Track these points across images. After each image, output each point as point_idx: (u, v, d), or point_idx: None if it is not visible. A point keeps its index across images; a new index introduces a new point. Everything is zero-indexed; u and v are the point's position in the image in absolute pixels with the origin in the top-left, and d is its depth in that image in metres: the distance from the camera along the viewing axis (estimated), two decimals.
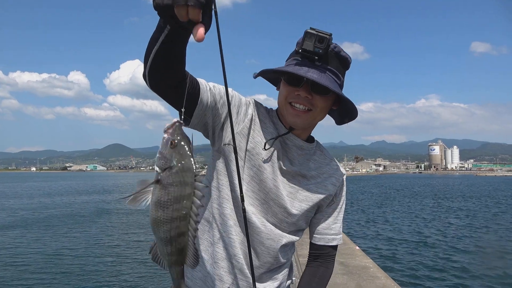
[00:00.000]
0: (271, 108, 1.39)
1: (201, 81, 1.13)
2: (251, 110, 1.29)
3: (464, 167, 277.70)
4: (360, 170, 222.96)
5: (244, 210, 1.20)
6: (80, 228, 16.66)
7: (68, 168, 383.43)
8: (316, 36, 1.08)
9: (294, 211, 1.32)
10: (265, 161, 1.28)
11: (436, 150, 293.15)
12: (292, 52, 1.28)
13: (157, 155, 0.86)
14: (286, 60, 1.30)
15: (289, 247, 1.41)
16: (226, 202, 1.28)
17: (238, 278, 1.29)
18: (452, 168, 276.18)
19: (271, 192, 1.29)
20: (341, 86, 1.27)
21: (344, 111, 1.37)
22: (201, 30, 0.81)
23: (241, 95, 1.28)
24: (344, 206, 1.47)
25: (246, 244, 1.23)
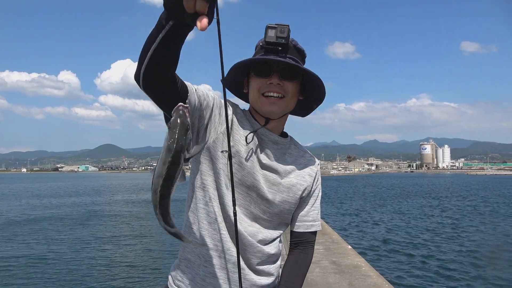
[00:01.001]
0: (244, 109, 1.45)
1: (187, 83, 1.17)
2: (229, 110, 1.34)
3: (455, 166, 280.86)
4: (353, 169, 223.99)
5: (235, 214, 1.24)
6: (68, 231, 16.25)
7: (60, 169, 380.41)
8: (277, 27, 1.15)
9: (277, 202, 1.37)
10: (246, 159, 1.32)
11: (428, 149, 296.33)
12: (254, 54, 1.38)
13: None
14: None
15: (275, 240, 1.44)
16: (212, 200, 1.31)
17: (231, 271, 1.32)
18: (443, 167, 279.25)
19: (253, 186, 1.33)
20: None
21: (310, 98, 1.45)
22: (205, 20, 0.86)
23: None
24: (320, 194, 1.54)
25: (235, 239, 1.27)
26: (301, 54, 1.36)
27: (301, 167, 1.45)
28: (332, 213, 23.59)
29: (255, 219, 1.37)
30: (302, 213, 1.47)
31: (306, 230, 1.48)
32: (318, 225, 1.50)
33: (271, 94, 1.31)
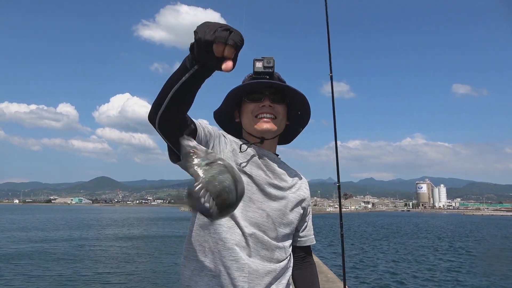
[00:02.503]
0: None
1: (195, 120, 1.27)
2: (225, 138, 1.42)
3: (451, 205, 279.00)
4: (349, 207, 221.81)
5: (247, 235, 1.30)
6: (49, 268, 15.29)
7: (53, 201, 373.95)
8: (264, 59, 1.25)
9: (290, 219, 1.44)
10: (253, 180, 1.38)
11: (424, 188, 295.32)
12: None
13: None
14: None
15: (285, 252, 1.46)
16: (219, 227, 1.32)
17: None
18: (439, 206, 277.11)
19: (264, 207, 1.38)
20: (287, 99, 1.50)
21: (296, 121, 1.57)
22: (230, 64, 0.94)
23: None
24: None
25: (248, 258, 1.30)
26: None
27: (299, 183, 1.54)
28: (328, 251, 22.83)
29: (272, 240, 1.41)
30: (307, 227, 1.56)
31: (311, 243, 1.56)
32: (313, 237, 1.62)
33: (264, 115, 1.42)
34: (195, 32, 0.94)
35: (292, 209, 1.45)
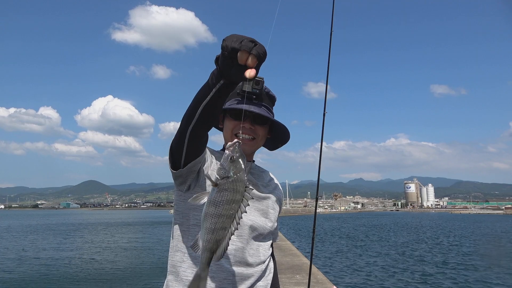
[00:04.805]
0: (219, 150, 1.64)
1: None
2: (209, 152, 1.52)
3: (439, 204, 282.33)
4: (339, 208, 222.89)
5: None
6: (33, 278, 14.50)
7: (40, 206, 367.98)
8: (254, 80, 1.27)
9: (270, 222, 1.58)
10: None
11: (412, 188, 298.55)
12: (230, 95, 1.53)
13: (219, 166, 1.08)
14: (226, 101, 1.56)
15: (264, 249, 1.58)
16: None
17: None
18: (428, 206, 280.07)
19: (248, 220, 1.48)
20: (273, 117, 1.58)
21: (277, 138, 1.69)
22: (253, 71, 1.03)
23: None
24: None
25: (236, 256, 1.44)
26: (272, 100, 1.61)
27: (273, 185, 1.69)
28: (317, 252, 23.11)
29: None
30: (276, 225, 1.66)
31: (276, 241, 1.71)
32: None
33: (243, 136, 1.49)
34: (223, 40, 1.03)
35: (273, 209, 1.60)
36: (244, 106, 1.43)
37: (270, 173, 1.74)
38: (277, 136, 1.67)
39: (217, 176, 1.06)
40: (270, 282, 1.58)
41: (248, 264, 1.46)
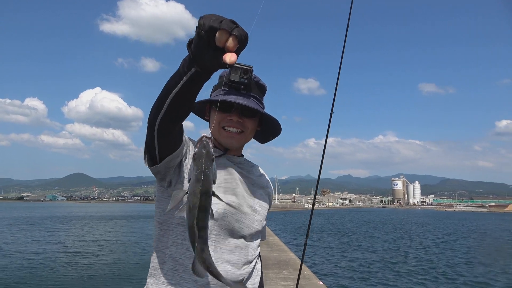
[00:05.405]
0: None
1: None
2: (192, 146, 1.39)
3: (425, 202, 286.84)
4: (327, 203, 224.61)
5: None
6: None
7: (25, 198, 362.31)
8: (242, 69, 1.18)
9: (259, 221, 1.45)
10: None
11: (399, 185, 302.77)
12: (215, 84, 1.46)
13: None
14: (212, 92, 1.47)
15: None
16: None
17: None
18: (414, 203, 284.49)
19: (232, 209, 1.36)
20: (263, 108, 1.46)
21: (267, 130, 1.56)
22: (234, 55, 0.87)
23: None
24: None
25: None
26: (262, 90, 1.47)
27: (263, 180, 1.57)
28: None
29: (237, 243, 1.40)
30: (264, 222, 1.53)
31: (265, 239, 1.52)
32: None
33: (231, 129, 1.39)
34: (200, 18, 0.89)
35: (261, 207, 1.49)
36: (232, 98, 1.34)
37: (260, 168, 1.62)
38: (267, 129, 1.55)
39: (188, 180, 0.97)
40: (257, 286, 1.48)
41: (234, 265, 1.34)
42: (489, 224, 58.27)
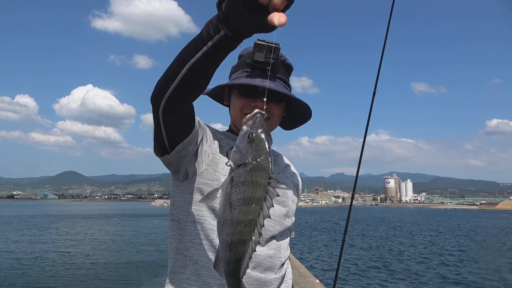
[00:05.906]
0: (223, 131, 1.36)
1: None
2: (210, 132, 1.25)
3: (417, 199, 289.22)
4: (320, 201, 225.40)
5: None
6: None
7: (15, 196, 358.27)
8: (267, 47, 1.06)
9: (289, 217, 1.32)
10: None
11: (391, 183, 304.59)
12: (234, 65, 1.28)
13: (233, 148, 0.79)
14: (231, 74, 1.28)
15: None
16: (212, 233, 1.14)
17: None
18: (406, 200, 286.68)
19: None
20: (290, 91, 1.29)
21: (294, 116, 1.39)
22: (283, 16, 0.69)
23: None
24: None
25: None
26: (289, 70, 1.30)
27: (290, 169, 1.45)
28: (300, 245, 23.08)
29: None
30: (293, 218, 1.39)
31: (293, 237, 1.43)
32: None
33: None
34: None
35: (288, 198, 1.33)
36: (257, 81, 1.16)
37: (285, 158, 1.48)
38: (294, 115, 1.37)
39: (231, 164, 0.78)
40: None
41: (268, 269, 1.19)
42: (480, 221, 58.81)
